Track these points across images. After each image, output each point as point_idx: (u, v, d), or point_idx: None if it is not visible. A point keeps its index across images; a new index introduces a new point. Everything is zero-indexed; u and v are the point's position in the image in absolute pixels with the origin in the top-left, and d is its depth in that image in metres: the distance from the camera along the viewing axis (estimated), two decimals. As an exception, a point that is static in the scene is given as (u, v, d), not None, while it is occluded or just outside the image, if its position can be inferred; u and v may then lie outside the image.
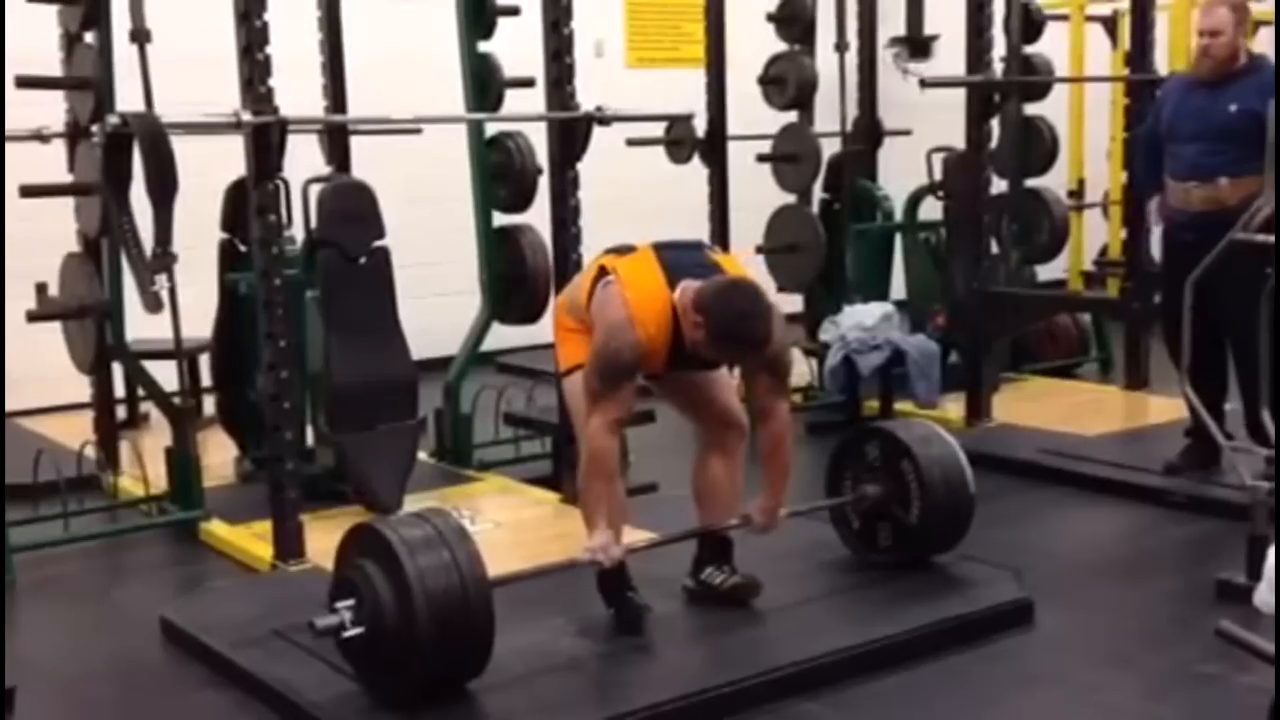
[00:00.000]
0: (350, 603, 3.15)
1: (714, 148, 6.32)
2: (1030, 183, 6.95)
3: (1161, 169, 4.97)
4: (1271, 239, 4.27)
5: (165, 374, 5.22)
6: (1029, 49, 6.70)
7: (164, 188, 4.01)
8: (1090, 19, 8.52)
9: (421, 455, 5.24)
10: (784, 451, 3.64)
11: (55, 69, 5.14)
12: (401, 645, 3.10)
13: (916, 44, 8.36)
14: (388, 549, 3.12)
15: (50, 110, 5.36)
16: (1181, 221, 4.84)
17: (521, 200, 5.23)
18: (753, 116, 6.71)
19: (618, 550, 3.46)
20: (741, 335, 3.35)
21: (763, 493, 3.70)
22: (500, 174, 5.21)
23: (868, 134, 7.04)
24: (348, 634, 3.14)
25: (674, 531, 3.80)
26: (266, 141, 4.17)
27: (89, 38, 4.91)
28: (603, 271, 3.52)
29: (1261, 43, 7.89)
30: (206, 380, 5.74)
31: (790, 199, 6.74)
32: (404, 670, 3.12)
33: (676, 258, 3.52)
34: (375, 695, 3.22)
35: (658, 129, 6.38)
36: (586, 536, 3.50)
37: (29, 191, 4.73)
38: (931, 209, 7.00)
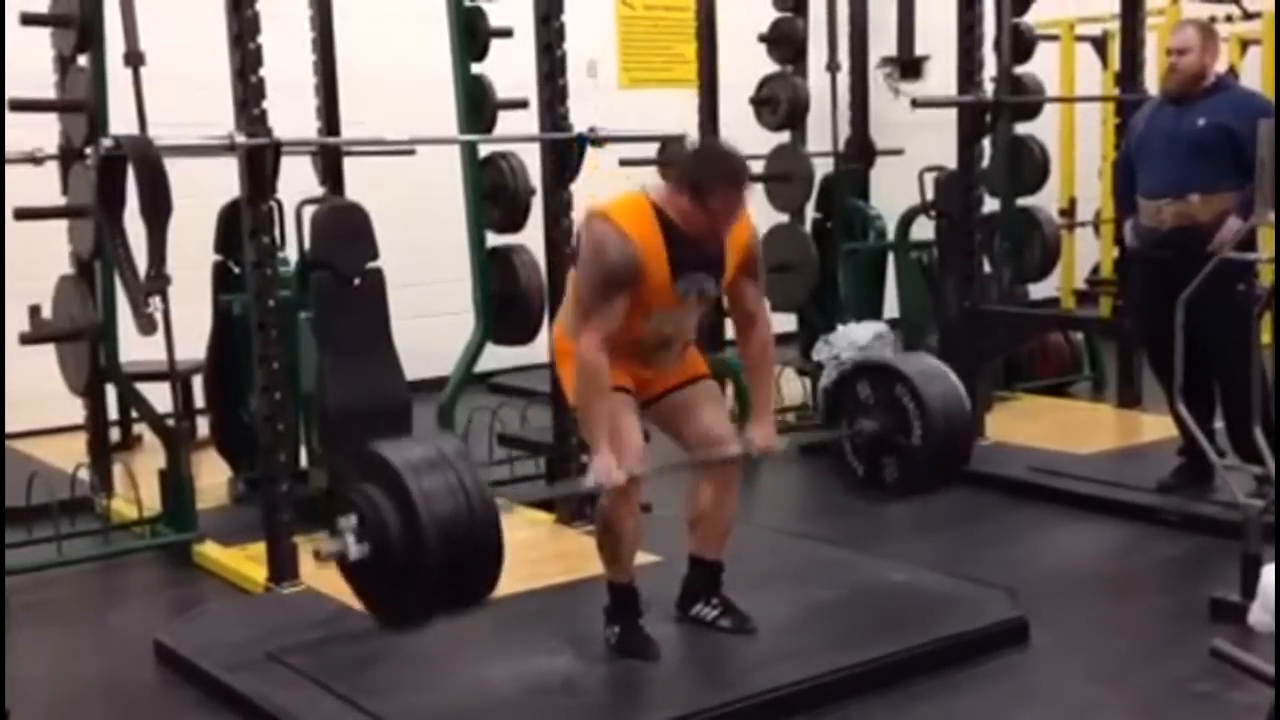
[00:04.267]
0: (353, 520, 3.04)
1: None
2: (1022, 202, 6.96)
3: (1135, 190, 4.99)
4: (1251, 256, 4.31)
5: (159, 396, 5.21)
6: (1019, 69, 6.71)
7: (158, 210, 4.01)
8: (1080, 39, 8.56)
9: (415, 476, 5.23)
10: (770, 360, 3.69)
11: (49, 91, 5.15)
12: (409, 566, 2.99)
13: (908, 64, 8.41)
14: (390, 471, 3.02)
15: (44, 133, 5.36)
16: (1155, 240, 4.85)
17: (515, 221, 5.23)
18: (745, 137, 6.66)
19: (620, 474, 3.35)
20: (722, 174, 3.36)
21: (755, 410, 3.68)
22: (493, 195, 5.22)
23: (860, 154, 7.06)
24: (354, 558, 3.04)
25: (674, 550, 3.80)
26: (260, 163, 4.18)
27: (82, 60, 4.91)
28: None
29: (1250, 61, 7.97)
30: (200, 402, 5.74)
31: (783, 219, 6.76)
32: (413, 591, 3.03)
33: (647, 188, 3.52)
34: (380, 621, 3.17)
35: (651, 149, 6.39)
36: (594, 560, 3.48)
37: (23, 214, 4.73)
38: (924, 228, 7.02)
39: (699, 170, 3.39)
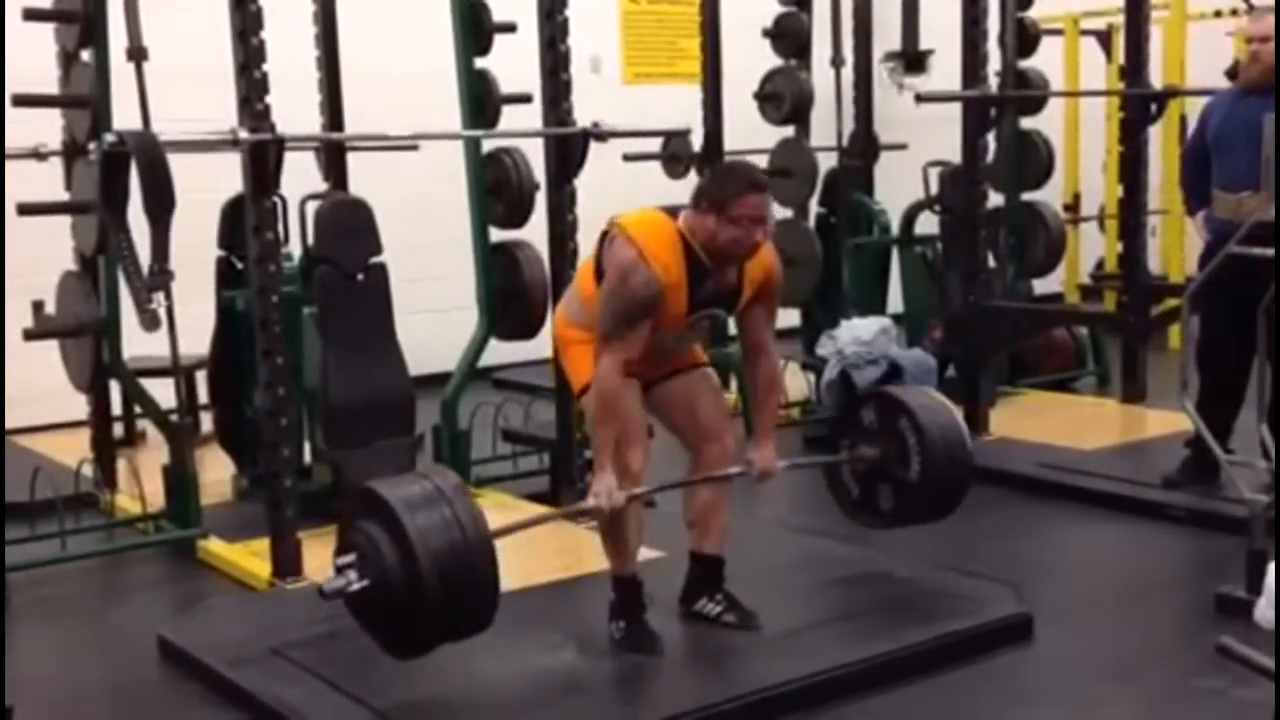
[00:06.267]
0: (351, 558, 3.13)
1: (710, 163, 6.33)
2: (1026, 196, 6.96)
3: (1208, 182, 4.93)
4: (1256, 251, 4.27)
5: (162, 391, 5.21)
6: (1024, 63, 6.72)
7: (161, 205, 4.01)
8: (1084, 33, 8.54)
9: (419, 472, 5.23)
10: (776, 389, 3.73)
11: (52, 87, 5.14)
12: (408, 602, 3.06)
13: (912, 59, 8.38)
14: (387, 509, 3.09)
15: (47, 128, 5.36)
16: (1231, 234, 4.74)
17: (518, 216, 5.23)
18: (749, 132, 6.72)
19: (620, 495, 3.40)
20: (741, 180, 3.42)
21: (756, 435, 3.70)
22: (497, 190, 5.22)
23: (864, 148, 7.05)
24: (354, 588, 3.11)
25: (677, 545, 3.80)
26: (263, 159, 4.17)
27: (86, 56, 4.91)
28: (604, 235, 3.53)
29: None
30: (204, 398, 5.74)
31: (787, 213, 6.75)
32: (413, 626, 3.09)
33: (673, 207, 3.55)
34: (386, 651, 3.21)
35: (654, 144, 6.39)
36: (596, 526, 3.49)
37: (26, 210, 4.73)
38: (928, 223, 7.01)
39: (718, 184, 3.45)
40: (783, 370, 6.29)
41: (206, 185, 4.80)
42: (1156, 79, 6.15)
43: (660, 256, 3.39)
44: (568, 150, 4.88)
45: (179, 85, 5.44)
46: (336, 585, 3.13)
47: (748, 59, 6.77)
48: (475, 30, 5.18)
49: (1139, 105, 5.95)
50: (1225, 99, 5.02)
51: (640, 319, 3.37)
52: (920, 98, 5.80)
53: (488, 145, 5.23)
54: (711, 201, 3.41)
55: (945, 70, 6.72)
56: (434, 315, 6.59)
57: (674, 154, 6.46)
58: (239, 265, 5.11)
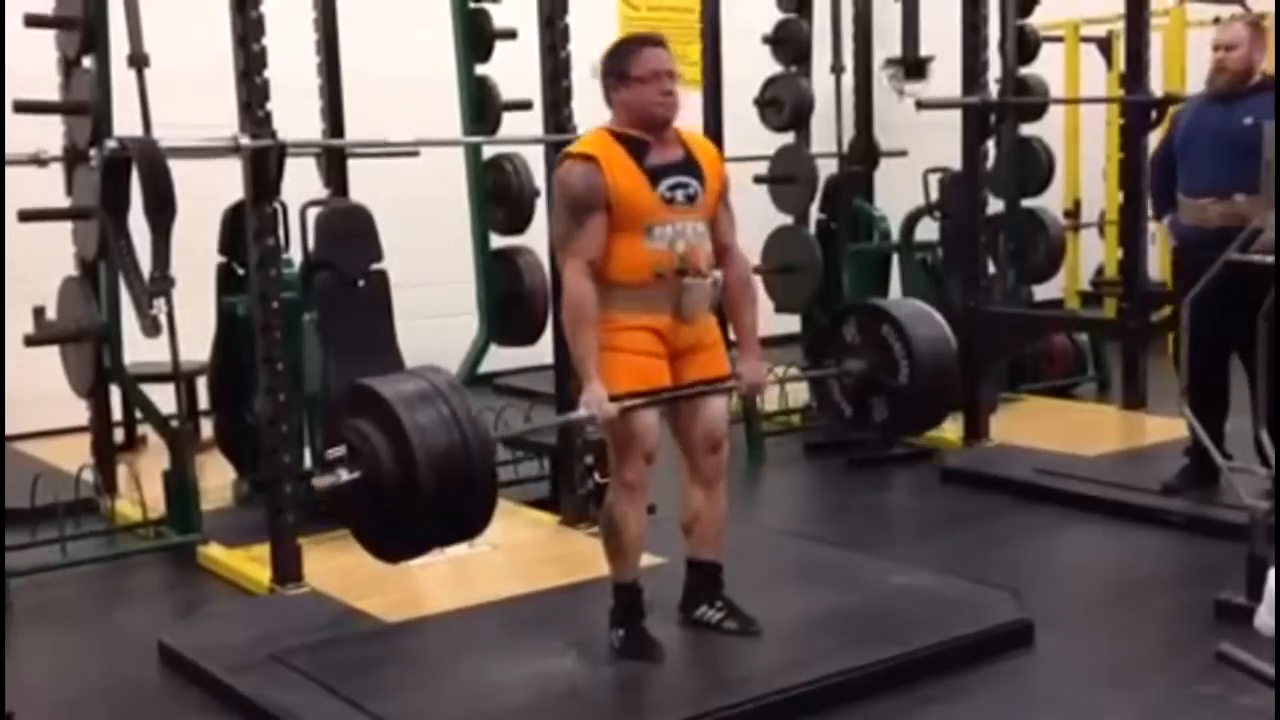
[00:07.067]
0: (341, 451, 3.05)
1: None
2: (1026, 203, 6.97)
3: (1174, 187, 4.94)
4: (1268, 259, 4.27)
5: (163, 397, 5.21)
6: (1024, 70, 6.73)
7: (162, 211, 4.02)
8: (1085, 40, 8.55)
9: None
10: (751, 294, 3.69)
11: (53, 93, 5.15)
12: (401, 497, 2.97)
13: (912, 65, 8.38)
14: (384, 406, 3.00)
15: (48, 134, 5.37)
16: (1197, 239, 4.74)
17: (519, 222, 5.24)
18: (749, 138, 6.72)
19: (611, 406, 3.35)
20: (630, 43, 3.57)
21: (741, 347, 3.67)
22: (498, 196, 5.22)
23: (864, 155, 7.05)
24: (345, 480, 3.02)
25: (678, 551, 3.80)
26: (265, 165, 4.18)
27: (87, 62, 4.92)
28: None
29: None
30: (204, 403, 5.74)
31: (787, 220, 6.76)
32: (407, 524, 3.01)
33: None
34: (373, 554, 3.16)
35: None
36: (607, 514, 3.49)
37: (27, 216, 4.74)
38: (928, 229, 7.02)
39: (613, 57, 3.53)
40: (784, 373, 6.33)
41: (207, 191, 4.81)
42: (1157, 86, 6.15)
43: (592, 150, 3.43)
44: (568, 156, 4.88)
45: (180, 91, 5.45)
46: (327, 482, 3.04)
47: (748, 65, 6.77)
48: (476, 37, 5.19)
49: (1139, 112, 5.95)
50: (1192, 105, 5.04)
51: (588, 211, 3.37)
52: (920, 104, 5.81)
53: (488, 151, 5.24)
54: (615, 78, 3.49)
55: (945, 76, 6.72)
56: (435, 321, 6.58)
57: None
58: (240, 271, 5.11)
